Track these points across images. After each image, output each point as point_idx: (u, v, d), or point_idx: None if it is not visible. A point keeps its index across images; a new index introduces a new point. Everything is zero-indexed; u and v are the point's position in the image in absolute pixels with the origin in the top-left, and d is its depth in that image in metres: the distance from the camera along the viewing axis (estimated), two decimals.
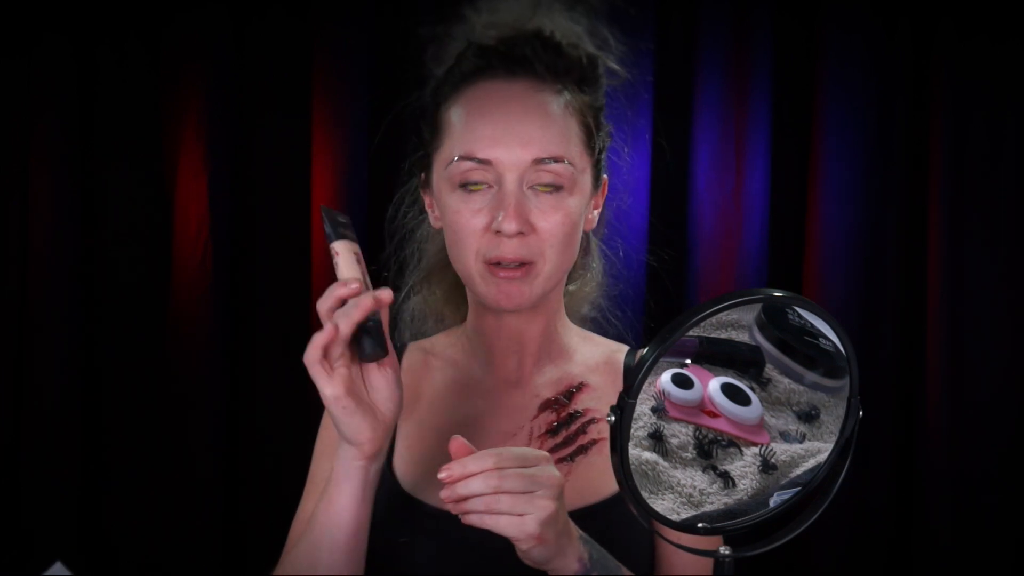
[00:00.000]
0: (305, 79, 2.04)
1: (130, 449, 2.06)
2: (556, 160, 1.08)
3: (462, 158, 1.08)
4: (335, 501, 1.02)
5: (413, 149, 1.23)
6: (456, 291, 1.26)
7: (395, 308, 1.27)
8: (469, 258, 1.11)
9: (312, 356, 0.94)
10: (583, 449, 1.16)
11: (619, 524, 1.10)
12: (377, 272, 1.29)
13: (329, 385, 0.95)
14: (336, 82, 2.02)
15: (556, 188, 1.09)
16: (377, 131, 1.39)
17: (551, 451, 1.15)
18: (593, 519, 1.08)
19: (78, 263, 2.03)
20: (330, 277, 0.92)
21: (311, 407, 1.21)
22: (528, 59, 1.10)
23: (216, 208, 2.03)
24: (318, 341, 0.94)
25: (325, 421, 1.21)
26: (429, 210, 1.20)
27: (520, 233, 1.07)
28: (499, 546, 0.97)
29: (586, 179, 1.13)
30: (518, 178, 1.07)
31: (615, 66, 1.17)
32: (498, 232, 1.07)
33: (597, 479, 1.13)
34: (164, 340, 2.04)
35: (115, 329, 2.06)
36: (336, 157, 2.02)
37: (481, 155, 1.07)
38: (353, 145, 2.02)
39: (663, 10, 2.04)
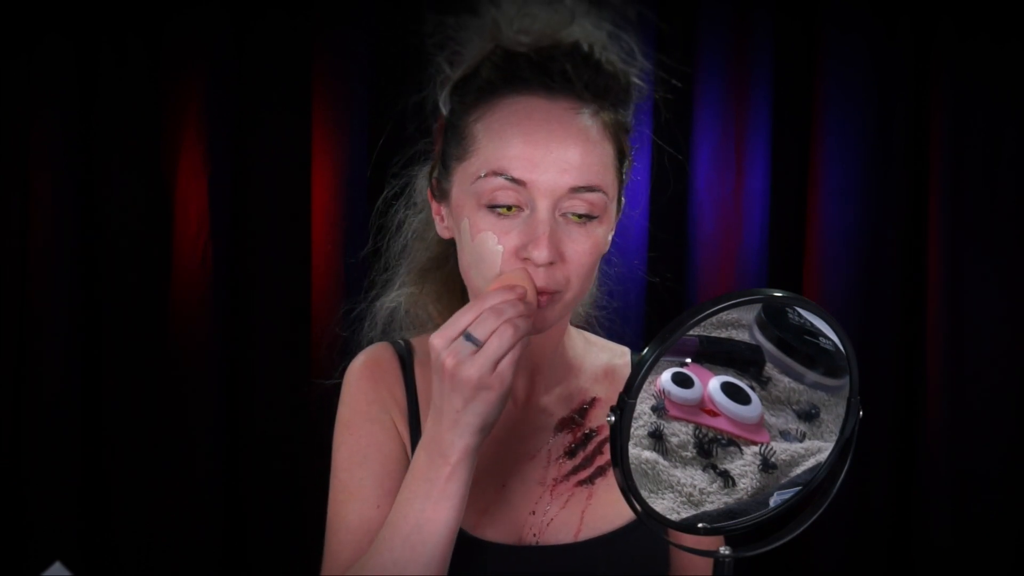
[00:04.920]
0: (305, 79, 2.03)
1: (130, 449, 2.06)
2: (592, 189, 1.02)
3: (494, 173, 1.01)
4: (437, 512, 0.98)
5: (413, 145, 1.19)
6: (449, 293, 1.21)
7: (369, 304, 1.25)
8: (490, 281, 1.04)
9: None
10: (602, 471, 1.13)
11: (645, 544, 1.09)
12: (360, 267, 1.27)
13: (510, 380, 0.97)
14: (336, 82, 2.02)
15: (589, 218, 1.03)
16: (377, 131, 1.37)
17: (570, 474, 1.13)
18: (621, 541, 1.08)
19: (78, 263, 2.02)
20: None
21: (310, 406, 1.20)
22: (568, 75, 1.03)
23: (216, 208, 2.03)
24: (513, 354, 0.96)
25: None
26: (437, 218, 1.13)
27: (550, 263, 1.02)
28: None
29: (613, 206, 1.08)
30: (552, 205, 1.01)
31: (638, 80, 1.10)
32: (527, 259, 1.02)
33: (620, 501, 1.06)
34: (164, 340, 2.04)
35: (115, 329, 2.06)
36: (336, 157, 2.02)
37: (515, 174, 1.01)
38: (353, 145, 2.02)
39: (663, 11, 2.04)
